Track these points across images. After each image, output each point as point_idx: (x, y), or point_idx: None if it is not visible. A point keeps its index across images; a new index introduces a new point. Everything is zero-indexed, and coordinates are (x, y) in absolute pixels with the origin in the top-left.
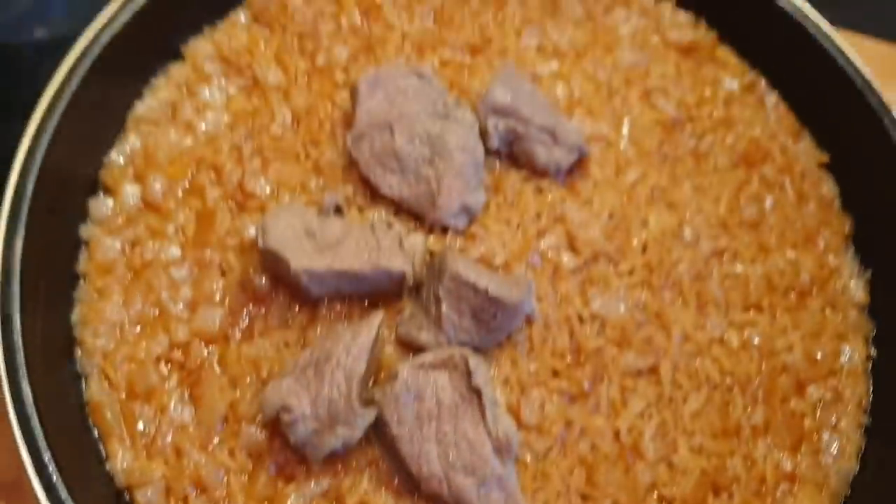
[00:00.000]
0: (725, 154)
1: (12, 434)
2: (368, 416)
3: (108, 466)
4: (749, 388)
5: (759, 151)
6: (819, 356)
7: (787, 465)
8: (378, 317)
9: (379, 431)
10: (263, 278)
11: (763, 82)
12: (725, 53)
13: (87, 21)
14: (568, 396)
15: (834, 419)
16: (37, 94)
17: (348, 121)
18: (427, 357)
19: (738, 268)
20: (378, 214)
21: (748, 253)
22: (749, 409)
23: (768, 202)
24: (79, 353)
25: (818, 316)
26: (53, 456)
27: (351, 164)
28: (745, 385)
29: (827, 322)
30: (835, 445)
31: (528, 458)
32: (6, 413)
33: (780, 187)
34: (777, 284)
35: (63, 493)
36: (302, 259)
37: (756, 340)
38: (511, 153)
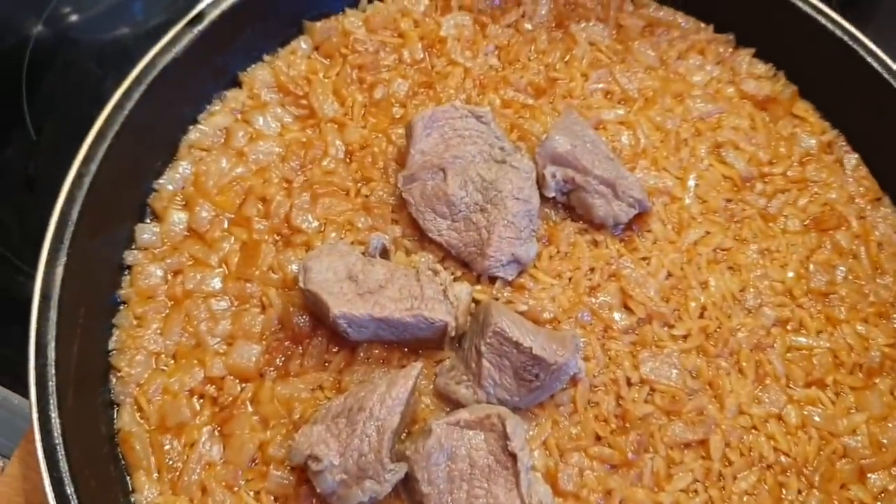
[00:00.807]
0: (797, 216)
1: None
2: (398, 472)
3: (132, 499)
4: (805, 470)
5: (834, 216)
6: (885, 442)
7: None
8: (416, 368)
9: (408, 488)
10: (304, 317)
11: (843, 142)
12: (805, 109)
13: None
14: (609, 464)
15: None
16: (95, 111)
17: (402, 158)
18: (463, 414)
19: (803, 340)
20: (425, 259)
21: (814, 325)
22: (804, 494)
23: (840, 271)
24: (113, 381)
25: (887, 398)
26: (76, 490)
27: (401, 205)
28: (801, 467)
29: None
30: None
31: None
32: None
33: (854, 256)
34: (844, 361)
35: None
36: (342, 304)
37: (817, 419)
38: (568, 203)
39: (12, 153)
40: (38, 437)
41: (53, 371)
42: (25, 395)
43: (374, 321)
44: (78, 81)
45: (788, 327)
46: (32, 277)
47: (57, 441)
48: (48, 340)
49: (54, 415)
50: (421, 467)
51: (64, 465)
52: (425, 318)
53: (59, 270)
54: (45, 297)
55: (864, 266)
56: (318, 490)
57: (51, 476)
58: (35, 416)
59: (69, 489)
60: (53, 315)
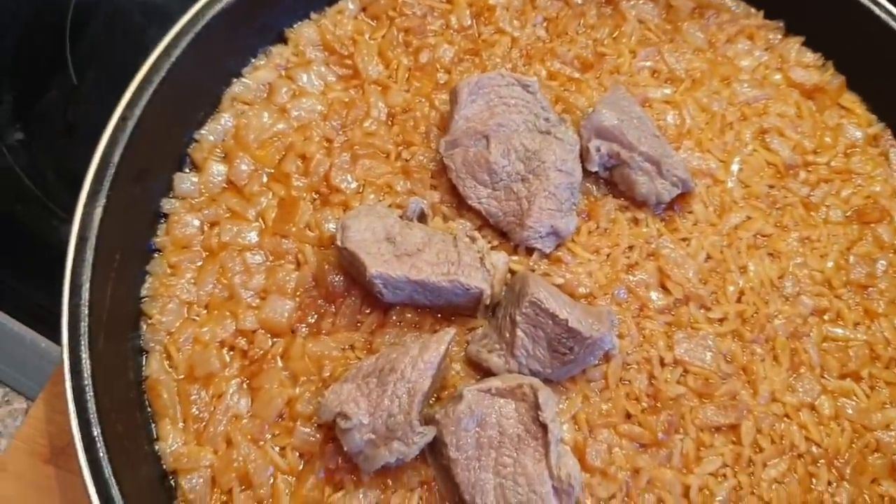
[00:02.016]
0: (839, 207)
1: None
2: (427, 435)
3: (157, 447)
4: (836, 462)
5: (877, 209)
6: None
7: None
8: (449, 334)
9: (435, 452)
10: (339, 276)
11: (889, 135)
12: (852, 100)
13: None
14: (639, 443)
15: None
16: (139, 61)
17: (445, 124)
18: (495, 382)
19: (839, 331)
20: (463, 226)
21: (852, 316)
22: (834, 486)
23: (881, 264)
24: (144, 327)
25: None
26: (103, 432)
27: (441, 170)
28: (832, 459)
29: None
30: None
31: (589, 503)
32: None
33: None
34: (881, 354)
35: (107, 470)
36: (379, 264)
37: (850, 412)
38: (610, 179)
39: (53, 99)
40: (67, 376)
41: (87, 312)
42: (53, 339)
43: (410, 283)
44: (121, 32)
45: (826, 317)
46: (67, 222)
47: (86, 382)
48: (83, 281)
49: (85, 355)
50: (450, 431)
51: (92, 406)
52: (461, 283)
53: (98, 212)
54: (82, 238)
55: None
56: (346, 448)
57: (78, 417)
58: (66, 355)
59: (95, 430)
60: (90, 256)
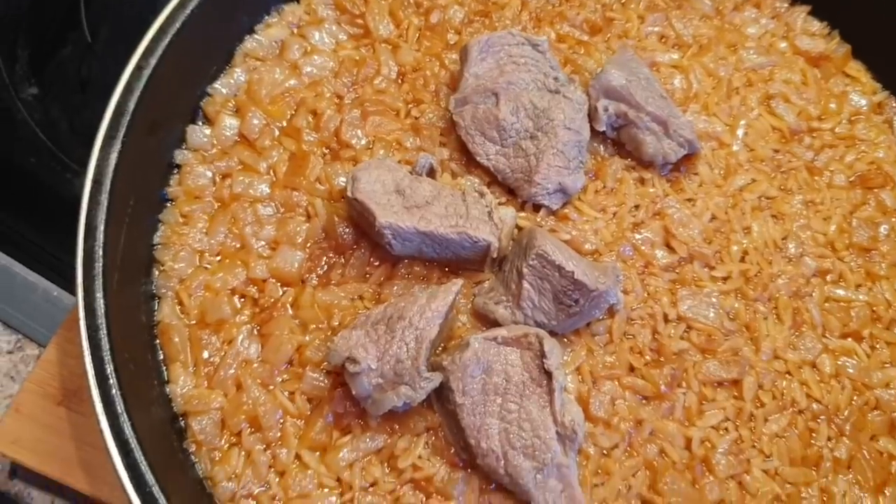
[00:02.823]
0: (843, 172)
1: (80, 342)
2: (433, 380)
3: (167, 390)
4: (836, 419)
5: (880, 175)
6: None
7: None
8: (457, 284)
9: (441, 398)
10: (348, 228)
11: (894, 103)
12: (857, 69)
13: None
14: (642, 395)
15: None
16: (151, 19)
17: (454, 83)
18: (501, 331)
19: (841, 292)
20: (471, 182)
21: (854, 278)
22: (833, 441)
23: (883, 228)
24: (156, 274)
25: None
26: (116, 369)
27: (450, 128)
28: (832, 415)
29: None
30: None
31: (592, 452)
32: (78, 321)
33: None
34: (881, 315)
35: (120, 406)
36: (389, 214)
37: (851, 371)
38: (618, 139)
39: (68, 55)
40: (81, 314)
41: (101, 253)
42: (66, 288)
43: (419, 235)
44: None
45: (828, 278)
46: (80, 175)
47: (100, 321)
48: (98, 223)
49: (99, 295)
50: (456, 377)
51: (105, 344)
52: (469, 236)
53: (113, 157)
54: (97, 182)
55: None
56: (354, 393)
57: (92, 354)
58: (80, 294)
59: (109, 367)
60: (104, 199)
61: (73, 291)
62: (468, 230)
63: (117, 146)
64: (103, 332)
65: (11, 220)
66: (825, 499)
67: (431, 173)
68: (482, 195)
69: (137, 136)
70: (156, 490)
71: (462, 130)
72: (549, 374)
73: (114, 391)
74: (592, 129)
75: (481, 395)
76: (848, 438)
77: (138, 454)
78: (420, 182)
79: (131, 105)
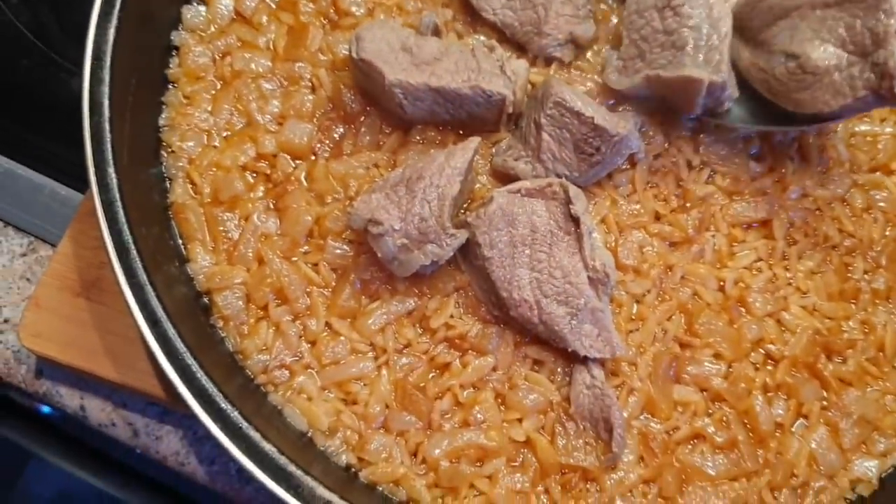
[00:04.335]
0: None
1: (98, 228)
2: (459, 236)
3: (188, 269)
4: (871, 252)
5: None
6: None
7: None
8: (474, 141)
9: (468, 256)
10: (355, 97)
11: None
12: None
13: None
14: (669, 241)
15: None
16: None
17: None
18: (524, 184)
19: (866, 127)
20: (478, 40)
21: (878, 112)
22: (870, 274)
23: None
24: (165, 155)
25: None
26: (135, 241)
27: None
28: (866, 249)
29: None
30: None
31: (624, 299)
32: (93, 207)
33: None
34: None
35: (143, 277)
36: (398, 71)
37: (882, 204)
38: None
39: None
40: (95, 191)
41: (108, 128)
42: (74, 186)
43: (431, 92)
44: None
45: None
46: (76, 75)
47: (114, 195)
48: (102, 98)
49: (111, 169)
50: (482, 232)
51: (122, 218)
52: (483, 89)
53: (111, 33)
54: (97, 58)
55: None
56: (379, 255)
57: (110, 229)
58: (91, 170)
59: (128, 238)
60: (106, 76)
61: (81, 189)
62: (481, 83)
63: (114, 22)
64: (119, 206)
65: (9, 123)
66: (867, 330)
67: (437, 32)
68: (492, 49)
69: (131, 17)
70: (188, 356)
71: None
72: (576, 220)
73: (136, 263)
74: None
75: (509, 248)
76: (885, 270)
77: (167, 325)
78: (426, 40)
79: None
